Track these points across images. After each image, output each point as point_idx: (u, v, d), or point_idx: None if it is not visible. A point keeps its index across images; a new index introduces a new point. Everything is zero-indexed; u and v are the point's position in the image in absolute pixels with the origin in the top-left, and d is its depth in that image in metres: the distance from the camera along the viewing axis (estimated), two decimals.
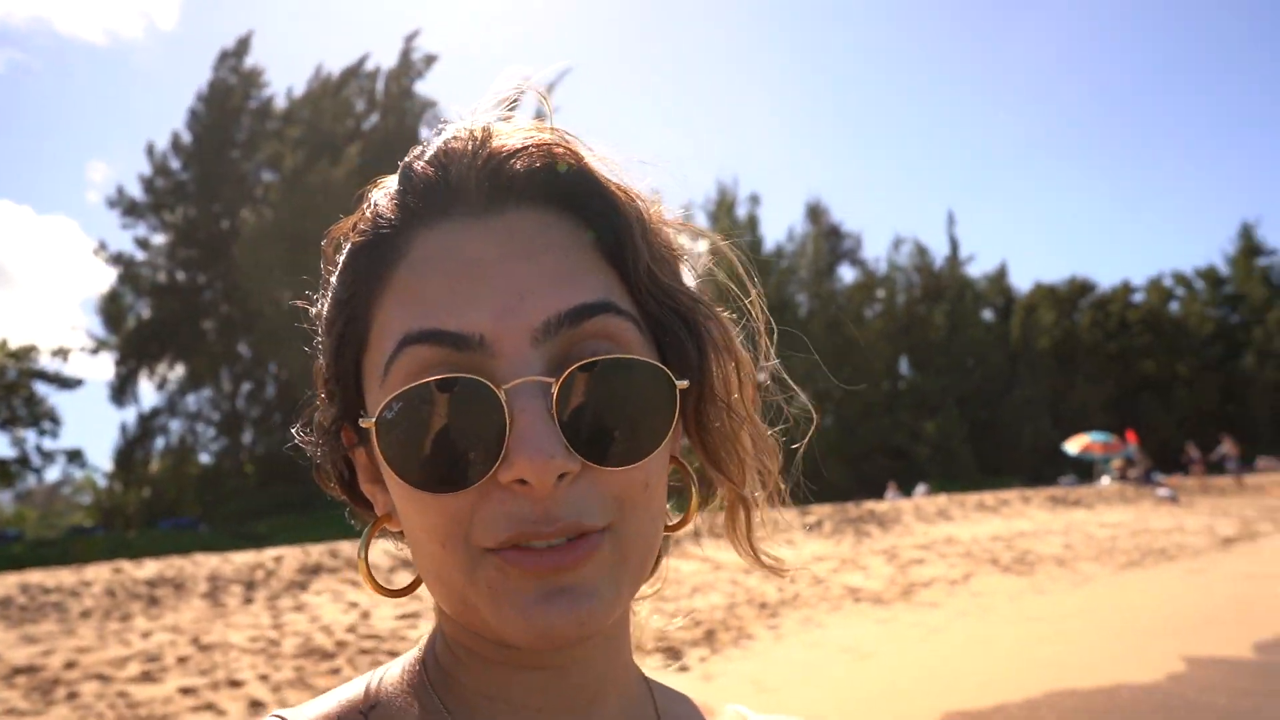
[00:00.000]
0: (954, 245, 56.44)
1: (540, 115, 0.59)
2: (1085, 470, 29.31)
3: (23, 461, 25.39)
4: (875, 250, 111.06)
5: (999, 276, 58.97)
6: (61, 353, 26.00)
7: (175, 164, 36.38)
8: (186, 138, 36.22)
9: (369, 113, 37.47)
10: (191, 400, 40.93)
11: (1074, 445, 27.60)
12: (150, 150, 35.65)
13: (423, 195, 0.56)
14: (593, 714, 0.60)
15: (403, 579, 0.66)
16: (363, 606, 9.29)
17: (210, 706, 6.64)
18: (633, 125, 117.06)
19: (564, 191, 0.56)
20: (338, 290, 0.58)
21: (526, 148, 0.55)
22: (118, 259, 34.58)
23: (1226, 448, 27.50)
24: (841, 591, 10.68)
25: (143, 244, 35.47)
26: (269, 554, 13.22)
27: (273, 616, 9.37)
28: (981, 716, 6.11)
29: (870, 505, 19.92)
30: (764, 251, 50.97)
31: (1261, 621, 8.72)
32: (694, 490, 0.63)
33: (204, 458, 40.97)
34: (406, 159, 0.58)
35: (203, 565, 12.31)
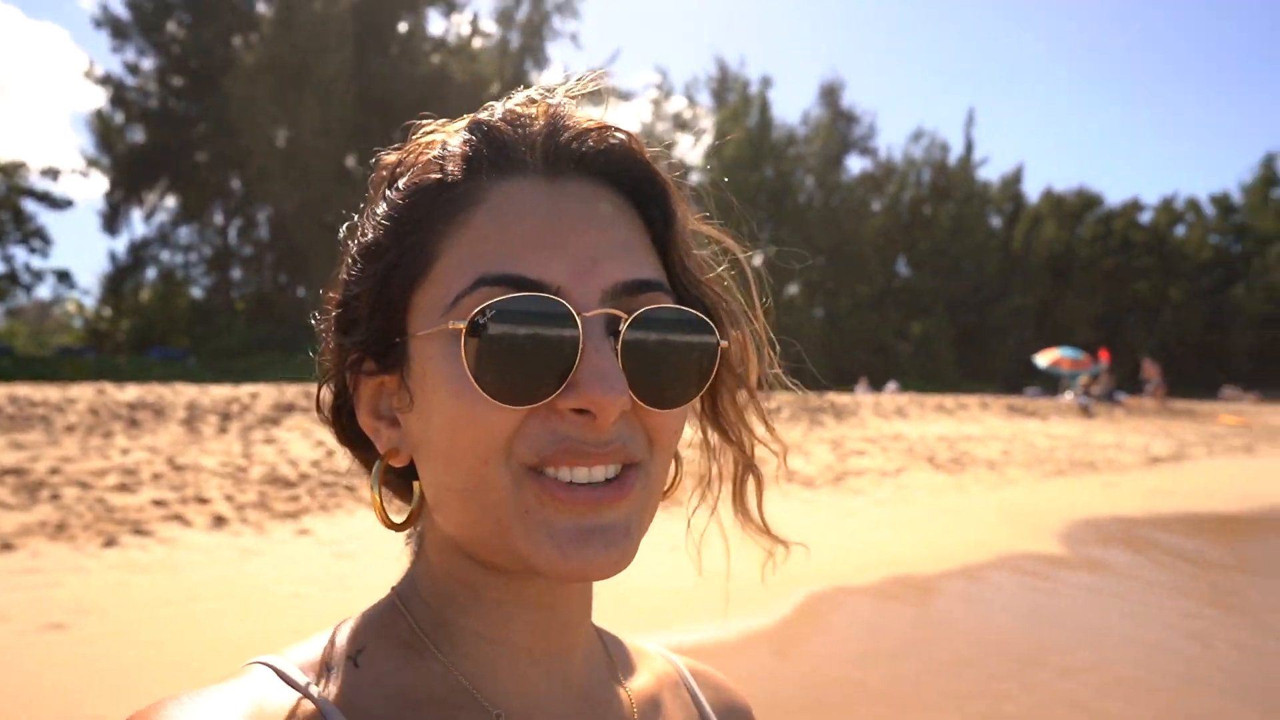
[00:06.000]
0: (969, 145, 55.33)
1: (602, 105, 0.63)
2: (1053, 384, 30.09)
3: (11, 278, 25.67)
4: (889, 140, 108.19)
5: (1013, 181, 58.07)
6: (51, 172, 25.81)
7: None
8: None
9: None
10: (183, 233, 40.97)
11: (1044, 358, 28.27)
12: None
13: (498, 149, 0.58)
14: (571, 652, 0.64)
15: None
16: (329, 445, 9.89)
17: (178, 518, 7.32)
18: None
19: (628, 175, 0.60)
20: (396, 220, 0.58)
21: (601, 128, 0.60)
22: (106, 80, 33.48)
23: (1146, 370, 28.42)
24: (775, 473, 11.34)
25: (132, 69, 34.25)
26: (245, 389, 13.80)
27: (244, 446, 10.00)
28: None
29: (832, 397, 20.55)
30: (773, 134, 50.13)
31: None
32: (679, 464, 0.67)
33: (195, 292, 41.44)
34: (479, 115, 0.61)
35: (182, 394, 12.91)
